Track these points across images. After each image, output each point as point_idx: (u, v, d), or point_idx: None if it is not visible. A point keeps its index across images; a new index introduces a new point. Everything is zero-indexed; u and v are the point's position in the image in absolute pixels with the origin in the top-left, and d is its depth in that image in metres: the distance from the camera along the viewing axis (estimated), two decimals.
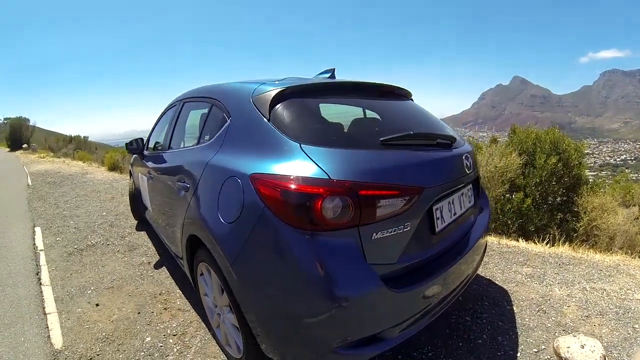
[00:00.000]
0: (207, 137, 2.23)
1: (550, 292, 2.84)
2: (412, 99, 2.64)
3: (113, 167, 12.18)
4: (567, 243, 4.23)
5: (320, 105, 2.04)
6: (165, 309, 2.84)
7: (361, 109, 2.40)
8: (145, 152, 3.83)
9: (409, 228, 1.55)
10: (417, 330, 1.69)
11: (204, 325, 2.55)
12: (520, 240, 4.24)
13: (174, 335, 2.48)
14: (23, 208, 7.13)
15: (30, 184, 10.20)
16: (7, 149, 27.16)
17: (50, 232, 5.31)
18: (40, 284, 3.59)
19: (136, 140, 3.95)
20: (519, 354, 2.13)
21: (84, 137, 26.58)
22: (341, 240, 1.40)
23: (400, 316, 1.57)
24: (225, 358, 2.18)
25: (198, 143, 2.36)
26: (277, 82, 1.94)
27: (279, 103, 1.77)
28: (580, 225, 4.67)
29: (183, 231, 2.23)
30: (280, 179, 1.46)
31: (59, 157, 17.96)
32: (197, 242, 2.04)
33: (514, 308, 2.63)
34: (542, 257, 3.51)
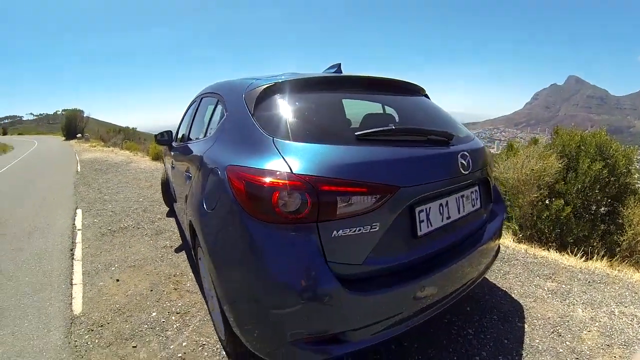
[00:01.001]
0: (210, 131, 2.40)
1: (572, 313, 2.57)
2: (422, 94, 2.58)
3: (156, 157, 12.90)
4: (606, 258, 3.89)
5: (310, 100, 2.02)
6: (175, 289, 3.08)
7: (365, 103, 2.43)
8: (173, 144, 4.13)
9: (377, 228, 1.50)
10: (392, 335, 1.63)
11: (206, 308, 2.75)
12: (551, 250, 4.00)
13: (177, 313, 2.70)
14: (70, 192, 7.90)
15: (79, 170, 11.19)
16: (63, 138, 29.81)
17: (89, 214, 5.86)
18: (73, 258, 4.02)
19: (165, 132, 4.26)
20: None
21: (133, 128, 28.47)
22: (299, 234, 1.42)
23: (367, 319, 1.53)
24: (218, 339, 2.35)
25: (204, 136, 2.56)
26: (270, 78, 2.00)
27: (263, 99, 1.84)
28: (624, 240, 4.40)
29: (186, 217, 2.45)
30: (245, 171, 1.55)
31: (109, 147, 19.41)
32: (193, 228, 2.20)
33: (526, 326, 2.41)
34: (571, 272, 3.22)
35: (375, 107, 2.41)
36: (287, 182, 1.42)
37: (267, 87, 1.87)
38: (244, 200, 1.50)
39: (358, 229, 1.46)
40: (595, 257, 3.85)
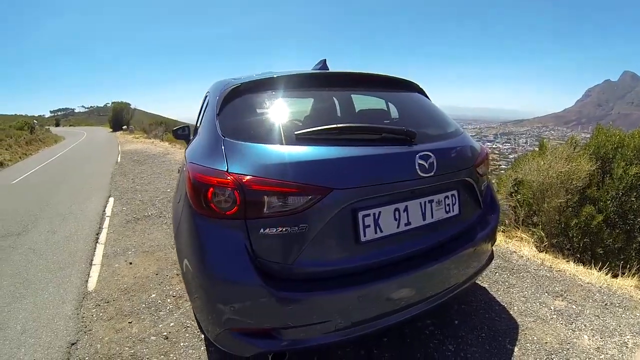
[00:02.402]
0: (199, 128, 2.48)
1: (575, 340, 2.31)
2: (403, 90, 2.48)
3: None
4: (638, 276, 3.54)
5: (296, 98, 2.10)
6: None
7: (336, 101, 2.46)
8: (191, 138, 4.44)
9: (305, 230, 1.52)
10: (333, 340, 1.65)
11: None
12: (572, 263, 3.67)
13: (173, 296, 3.00)
14: (106, 181, 8.67)
15: (118, 161, 12.15)
16: (110, 130, 32.07)
17: (119, 202, 6.45)
18: (97, 242, 4.53)
19: (184, 127, 4.57)
20: None
21: (175, 120, 30.03)
22: (229, 230, 1.53)
23: (298, 320, 1.57)
24: None
25: (196, 133, 2.76)
26: (239, 79, 2.08)
27: (227, 100, 1.93)
28: None
29: None
30: (195, 169, 1.67)
31: (150, 139, 20.65)
32: None
33: (515, 349, 2.22)
34: (587, 291, 2.91)
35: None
36: (219, 179, 1.53)
37: (233, 88, 1.96)
38: (191, 195, 1.63)
39: (285, 229, 1.50)
40: (626, 274, 3.58)
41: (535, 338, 2.33)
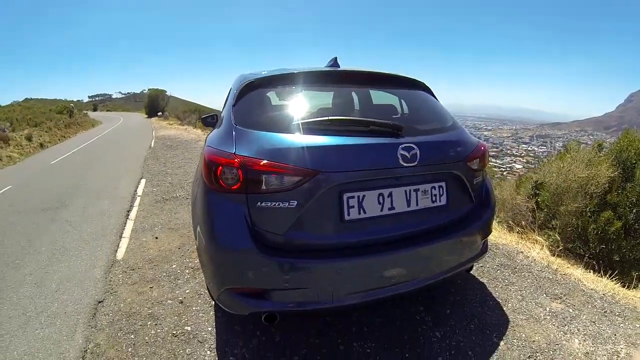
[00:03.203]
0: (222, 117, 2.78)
1: (565, 342, 2.32)
2: (402, 87, 2.62)
3: None
4: None
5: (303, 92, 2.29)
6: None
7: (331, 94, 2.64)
8: (217, 126, 4.71)
9: (294, 205, 1.75)
10: (315, 308, 1.84)
11: None
12: (580, 268, 3.60)
13: (192, 268, 3.28)
14: (139, 164, 9.17)
15: (152, 145, 12.74)
16: (145, 116, 33.33)
17: (150, 184, 6.87)
18: (128, 218, 4.92)
19: (213, 115, 4.83)
20: None
21: (209, 108, 30.89)
22: (233, 203, 1.78)
23: (285, 283, 1.77)
24: None
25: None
26: (254, 74, 2.34)
27: (242, 93, 2.19)
28: None
29: None
30: (208, 151, 1.94)
31: (183, 125, 21.34)
32: None
33: (501, 343, 2.30)
34: (588, 297, 2.87)
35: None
36: (227, 160, 1.79)
37: (248, 83, 2.22)
38: (205, 173, 1.89)
39: (278, 203, 1.74)
40: (639, 287, 3.47)
41: (523, 335, 2.37)
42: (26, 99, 57.41)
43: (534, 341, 2.32)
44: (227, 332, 2.35)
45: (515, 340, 2.32)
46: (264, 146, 1.82)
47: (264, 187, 1.75)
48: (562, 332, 2.42)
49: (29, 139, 15.83)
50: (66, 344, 2.36)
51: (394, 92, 2.59)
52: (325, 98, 2.53)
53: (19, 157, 12.76)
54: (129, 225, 4.62)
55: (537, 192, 5.73)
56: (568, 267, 3.52)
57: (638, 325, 2.53)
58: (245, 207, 1.76)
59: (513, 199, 5.89)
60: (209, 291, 2.18)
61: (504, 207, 6.08)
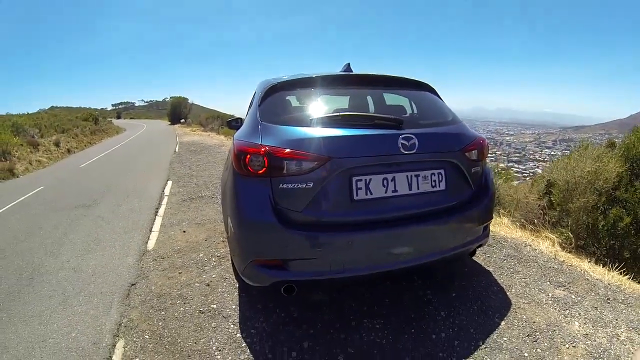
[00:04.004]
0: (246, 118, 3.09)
1: (565, 324, 2.41)
2: (406, 88, 2.90)
3: None
4: None
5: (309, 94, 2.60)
6: (223, 241, 3.95)
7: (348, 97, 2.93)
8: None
9: (310, 186, 2.03)
10: (329, 276, 2.10)
11: None
12: (587, 261, 3.60)
13: (217, 257, 3.54)
14: (166, 167, 9.60)
15: (177, 150, 13.22)
16: (168, 123, 34.27)
17: (177, 185, 7.22)
18: (156, 214, 5.25)
19: (237, 119, 5.12)
20: None
21: (231, 115, 31.61)
22: (259, 185, 2.07)
23: (303, 254, 2.05)
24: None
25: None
26: (277, 79, 2.63)
27: (267, 95, 2.50)
28: None
29: None
30: (237, 143, 2.25)
31: (206, 132, 21.92)
32: None
33: (502, 323, 2.42)
34: (593, 285, 2.93)
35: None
36: (254, 149, 2.10)
37: (271, 86, 2.53)
38: (235, 161, 2.18)
39: (297, 184, 2.04)
40: None
41: (524, 317, 2.49)
42: (52, 107, 59.40)
43: (534, 322, 2.43)
44: (250, 309, 2.59)
45: (515, 321, 2.44)
46: (285, 137, 2.13)
47: (285, 171, 2.04)
48: (562, 315, 2.51)
49: (57, 144, 16.55)
50: (103, 318, 2.66)
51: (402, 93, 2.87)
52: (340, 98, 2.82)
53: (47, 162, 13.43)
54: (158, 220, 4.94)
55: (550, 190, 5.80)
56: (575, 260, 3.56)
57: None
58: (269, 189, 2.06)
59: (526, 198, 5.97)
60: (234, 269, 2.44)
61: (518, 207, 6.16)
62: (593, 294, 2.80)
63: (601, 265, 3.68)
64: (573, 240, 5.01)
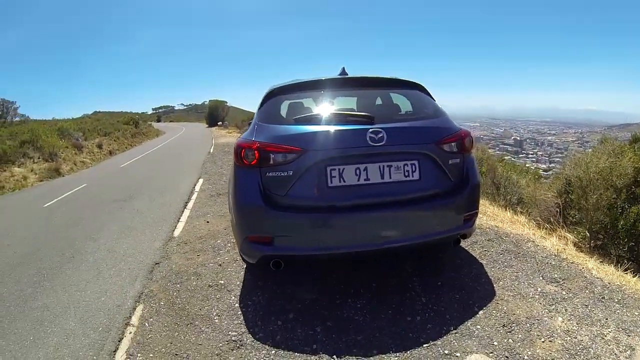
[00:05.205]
0: None
1: (546, 319, 2.36)
2: (395, 89, 3.15)
3: None
4: None
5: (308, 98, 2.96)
6: None
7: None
8: None
9: (291, 174, 2.36)
10: (310, 253, 2.43)
11: None
12: (593, 260, 3.36)
13: (232, 242, 3.91)
14: (199, 166, 10.31)
15: (211, 151, 13.99)
16: (206, 126, 35.74)
17: (207, 182, 7.80)
18: (185, 207, 5.82)
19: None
20: (427, 352, 2.15)
21: None
22: (251, 173, 2.43)
23: (286, 231, 2.38)
24: None
25: None
26: (279, 83, 3.00)
27: (267, 98, 2.86)
28: None
29: None
30: (238, 141, 2.62)
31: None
32: None
33: (480, 312, 2.48)
34: (589, 283, 2.79)
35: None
36: (248, 145, 2.46)
37: (270, 90, 2.91)
38: (234, 155, 2.58)
39: (280, 173, 2.39)
40: None
41: (505, 308, 2.49)
42: (95, 112, 62.68)
43: (514, 314, 2.43)
44: (251, 285, 2.96)
45: (495, 312, 2.47)
46: (273, 134, 2.51)
47: (271, 162, 2.40)
48: (547, 310, 2.46)
49: (99, 146, 17.91)
50: (128, 288, 3.18)
51: (388, 92, 3.11)
52: (328, 99, 2.98)
53: (91, 163, 14.73)
54: (186, 213, 5.48)
55: (569, 188, 5.74)
56: (581, 258, 3.35)
57: (637, 314, 2.39)
58: (258, 176, 2.42)
59: (543, 196, 5.97)
60: (244, 260, 2.90)
61: (535, 205, 6.16)
62: (587, 291, 2.69)
63: (617, 266, 3.43)
64: (589, 240, 4.92)
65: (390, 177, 2.44)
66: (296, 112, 2.77)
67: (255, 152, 2.42)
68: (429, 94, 3.08)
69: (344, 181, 2.39)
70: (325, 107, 2.83)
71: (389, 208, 2.44)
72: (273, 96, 2.88)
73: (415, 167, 2.49)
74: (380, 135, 2.42)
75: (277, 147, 2.41)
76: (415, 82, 3.10)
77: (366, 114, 2.57)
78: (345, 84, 3.04)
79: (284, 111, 2.87)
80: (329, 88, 2.96)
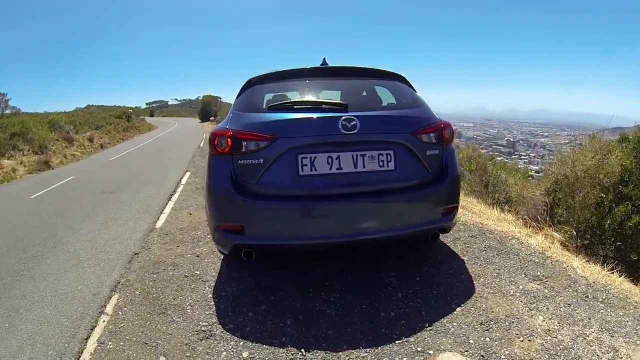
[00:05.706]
0: None
1: (526, 317, 2.30)
2: (366, 78, 3.04)
3: None
4: None
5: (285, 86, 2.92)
6: None
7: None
8: None
9: (262, 162, 2.32)
10: (280, 242, 2.39)
11: None
12: (579, 259, 3.30)
13: None
14: (187, 159, 10.34)
15: (201, 145, 13.99)
16: (199, 121, 35.68)
17: (193, 176, 7.79)
18: (170, 200, 5.81)
19: None
20: (399, 349, 2.10)
21: None
22: (224, 161, 2.40)
23: (256, 219, 2.35)
24: None
25: None
26: (260, 74, 2.91)
27: (244, 88, 2.84)
28: None
29: None
30: (213, 129, 2.59)
31: None
32: None
33: (457, 310, 2.41)
34: (573, 282, 2.72)
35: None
36: (221, 133, 2.42)
37: (248, 80, 2.87)
38: (209, 143, 2.51)
39: (251, 160, 2.35)
40: None
41: (484, 306, 2.42)
42: (88, 105, 62.41)
43: (492, 312, 2.36)
44: (226, 276, 2.92)
45: (473, 309, 2.40)
46: (246, 122, 2.48)
47: (243, 149, 2.36)
48: (527, 309, 2.39)
49: (90, 140, 17.76)
50: (105, 277, 3.15)
51: (367, 82, 3.01)
52: (306, 88, 2.93)
53: (81, 156, 14.62)
54: (170, 205, 5.47)
55: (557, 187, 5.71)
56: (566, 257, 3.28)
57: (621, 314, 2.34)
58: (230, 164, 2.38)
59: (531, 194, 5.98)
60: (220, 251, 2.88)
61: (523, 204, 6.16)
62: (571, 290, 2.62)
63: (604, 265, 3.35)
64: (575, 238, 4.89)
65: (364, 167, 2.39)
66: (272, 101, 2.75)
67: (228, 139, 2.37)
68: (409, 84, 3.02)
69: (316, 170, 2.34)
70: (301, 95, 2.80)
71: (363, 198, 2.38)
72: (250, 85, 2.85)
73: (391, 157, 2.44)
74: (353, 123, 2.36)
75: (248, 134, 2.37)
76: (394, 73, 3.03)
77: (339, 101, 2.53)
78: (323, 73, 2.97)
79: (260, 100, 2.82)
80: (307, 77, 2.91)
